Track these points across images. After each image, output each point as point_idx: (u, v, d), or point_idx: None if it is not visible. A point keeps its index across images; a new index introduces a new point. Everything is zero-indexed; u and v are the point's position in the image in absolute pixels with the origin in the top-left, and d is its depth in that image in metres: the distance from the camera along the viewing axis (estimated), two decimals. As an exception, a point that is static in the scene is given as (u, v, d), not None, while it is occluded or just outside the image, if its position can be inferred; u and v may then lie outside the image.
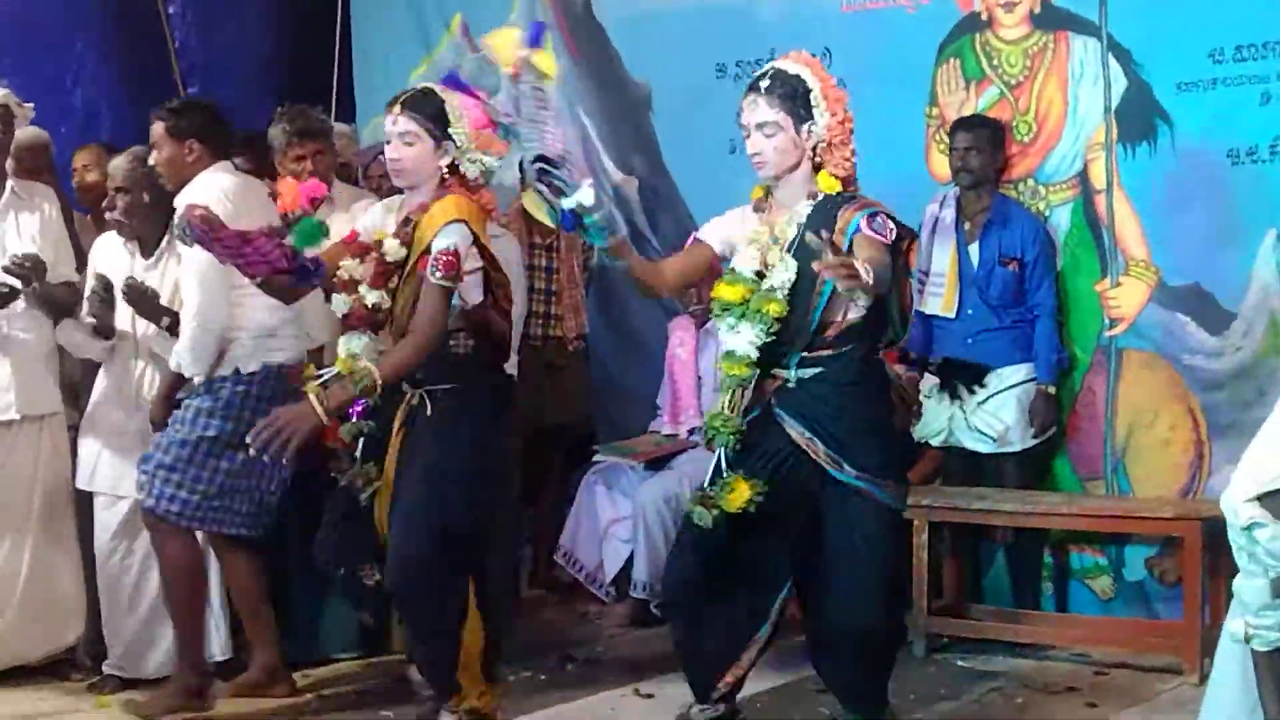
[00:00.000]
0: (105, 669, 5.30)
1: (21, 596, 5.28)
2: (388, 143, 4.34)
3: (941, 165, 6.12)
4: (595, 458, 6.57)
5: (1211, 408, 5.76)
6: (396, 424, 4.35)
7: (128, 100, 6.69)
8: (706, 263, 4.18)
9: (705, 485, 4.05)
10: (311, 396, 4.05)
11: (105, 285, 5.15)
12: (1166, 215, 5.86)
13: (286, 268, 4.19)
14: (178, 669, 5.03)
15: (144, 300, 5.04)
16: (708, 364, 6.18)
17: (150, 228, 5.20)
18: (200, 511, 4.90)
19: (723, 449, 4.01)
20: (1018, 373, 5.89)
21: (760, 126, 4.02)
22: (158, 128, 5.01)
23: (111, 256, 5.28)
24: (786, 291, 3.95)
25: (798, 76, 4.02)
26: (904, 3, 6.38)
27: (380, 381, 4.08)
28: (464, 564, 4.30)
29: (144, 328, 5.16)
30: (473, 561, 4.35)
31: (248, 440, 4.02)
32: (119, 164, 5.20)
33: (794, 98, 4.00)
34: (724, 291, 4.00)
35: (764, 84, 4.03)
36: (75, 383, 5.55)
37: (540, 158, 3.82)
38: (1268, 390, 5.58)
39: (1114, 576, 5.96)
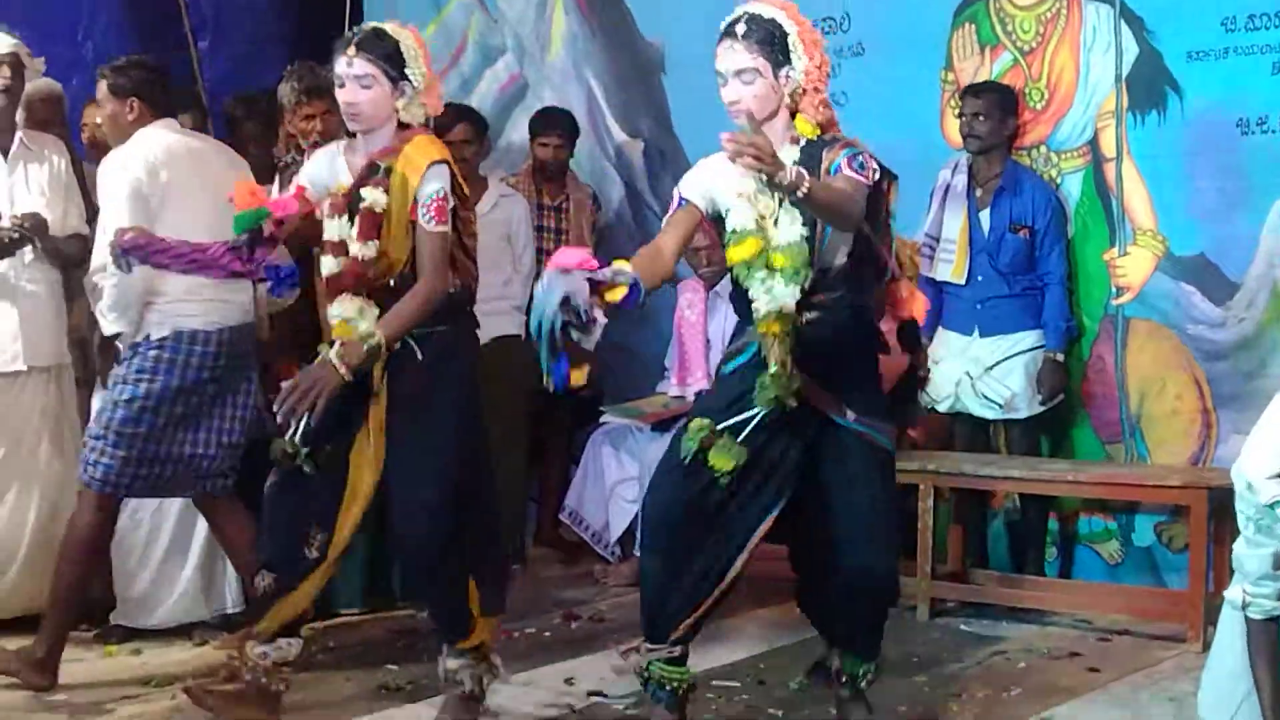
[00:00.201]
0: (112, 619, 5.34)
1: (29, 546, 5.30)
2: (341, 85, 4.15)
3: (956, 131, 6.07)
4: (602, 419, 6.58)
5: (1216, 378, 5.74)
6: (378, 372, 4.18)
7: (139, 53, 6.63)
8: (697, 224, 4.09)
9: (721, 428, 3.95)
10: (332, 355, 4.04)
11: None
12: (1175, 185, 5.83)
13: (241, 270, 4.19)
14: (38, 641, 4.80)
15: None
16: (717, 327, 6.18)
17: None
18: (123, 479, 4.74)
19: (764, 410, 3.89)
20: (1026, 339, 5.89)
21: (739, 73, 3.86)
22: (101, 85, 4.98)
23: None
24: (807, 236, 3.88)
25: (774, 20, 3.87)
26: (920, -35, 6.34)
27: (387, 342, 4.05)
28: (469, 501, 4.22)
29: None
30: (476, 500, 4.27)
31: (274, 408, 4.00)
32: None
33: (771, 42, 3.85)
34: (738, 252, 3.93)
35: (740, 29, 3.87)
36: (84, 337, 5.54)
37: (566, 300, 3.62)
38: (1269, 362, 5.60)
39: (1122, 541, 5.97)
